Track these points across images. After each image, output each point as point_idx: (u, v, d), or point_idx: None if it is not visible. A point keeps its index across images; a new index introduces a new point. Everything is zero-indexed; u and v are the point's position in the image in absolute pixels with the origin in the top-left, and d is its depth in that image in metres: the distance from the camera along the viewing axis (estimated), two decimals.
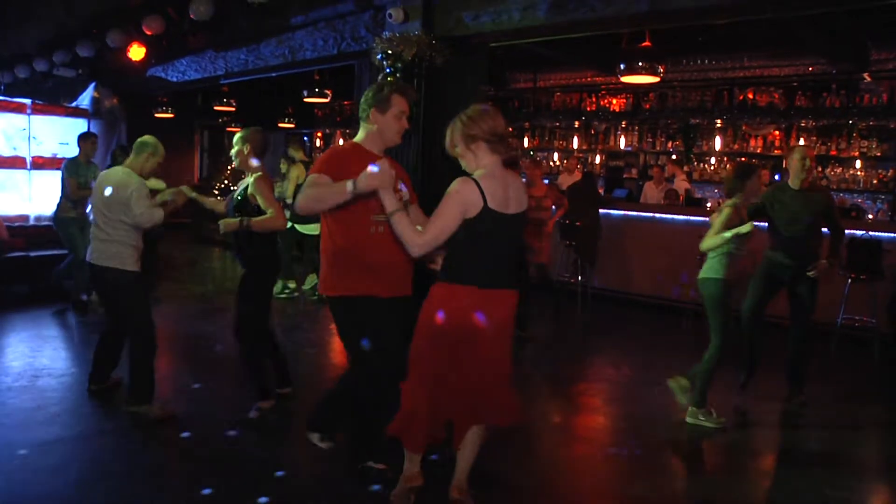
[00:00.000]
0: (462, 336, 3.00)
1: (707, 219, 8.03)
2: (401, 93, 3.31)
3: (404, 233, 2.91)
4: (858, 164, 9.24)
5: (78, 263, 7.10)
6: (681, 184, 9.70)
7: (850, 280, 6.39)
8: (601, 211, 8.21)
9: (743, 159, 9.69)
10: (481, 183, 2.92)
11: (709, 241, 4.51)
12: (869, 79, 8.88)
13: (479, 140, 2.99)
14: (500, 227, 2.98)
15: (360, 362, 3.38)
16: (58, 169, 7.40)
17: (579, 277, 8.03)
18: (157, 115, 11.90)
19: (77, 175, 7.03)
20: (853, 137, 9.22)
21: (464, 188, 2.91)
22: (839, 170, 9.26)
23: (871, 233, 6.70)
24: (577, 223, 7.64)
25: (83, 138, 7.24)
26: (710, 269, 4.58)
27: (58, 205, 7.14)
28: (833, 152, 9.34)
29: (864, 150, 9.15)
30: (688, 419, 4.59)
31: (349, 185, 2.92)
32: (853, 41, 8.31)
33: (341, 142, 14.78)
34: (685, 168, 10.36)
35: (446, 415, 3.16)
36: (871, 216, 8.77)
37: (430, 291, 3.07)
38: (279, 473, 3.63)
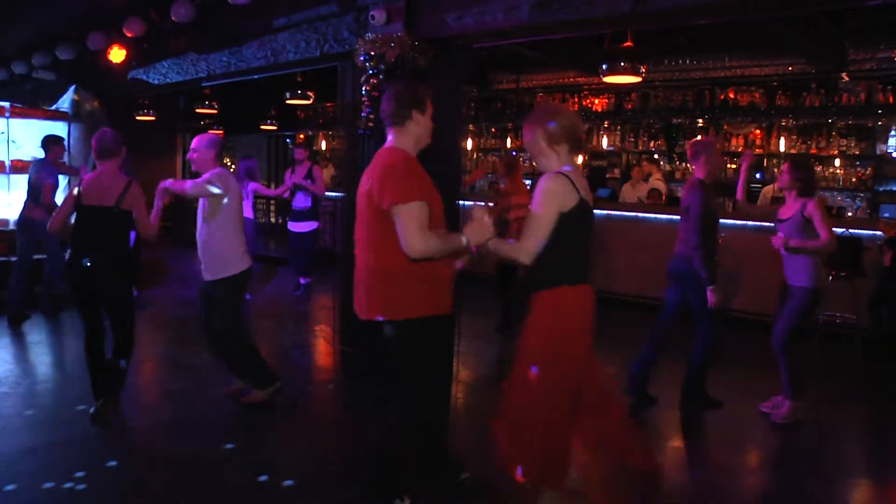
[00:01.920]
0: (589, 341, 2.94)
1: None
2: (430, 96, 3.24)
3: (507, 252, 2.90)
4: (838, 162, 9.38)
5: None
6: (657, 183, 9.71)
7: (830, 277, 6.40)
8: None
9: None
10: (571, 176, 2.88)
11: None
12: (847, 78, 9.00)
13: (563, 142, 2.93)
14: (590, 219, 2.98)
15: (427, 392, 3.15)
16: None
17: None
18: (138, 117, 11.79)
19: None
20: (832, 136, 9.35)
21: (556, 183, 2.85)
22: (819, 168, 9.34)
23: (850, 230, 6.75)
24: None
25: (56, 141, 7.20)
26: None
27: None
28: (813, 150, 9.46)
29: (843, 148, 9.28)
30: None
31: (464, 240, 2.89)
32: (832, 42, 8.42)
33: (323, 144, 14.75)
34: (666, 167, 10.44)
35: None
36: (850, 214, 8.89)
37: (541, 305, 2.90)
38: (262, 477, 3.62)
